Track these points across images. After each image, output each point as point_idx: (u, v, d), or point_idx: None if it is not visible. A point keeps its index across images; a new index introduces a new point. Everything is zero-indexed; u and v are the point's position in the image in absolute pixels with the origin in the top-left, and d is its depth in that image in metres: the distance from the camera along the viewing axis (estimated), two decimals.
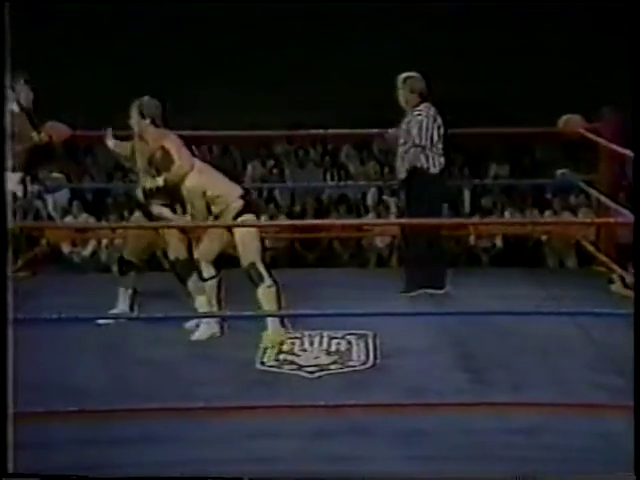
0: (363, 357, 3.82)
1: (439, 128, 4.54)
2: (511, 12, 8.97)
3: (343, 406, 3.18)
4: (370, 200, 7.89)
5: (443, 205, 5.10)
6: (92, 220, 7.30)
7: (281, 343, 3.94)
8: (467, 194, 7.85)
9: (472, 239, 7.12)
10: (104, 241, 7.15)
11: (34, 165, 4.87)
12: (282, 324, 4.01)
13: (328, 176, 8.59)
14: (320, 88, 9.16)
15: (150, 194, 4.18)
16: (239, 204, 4.06)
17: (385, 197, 7.61)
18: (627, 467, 2.56)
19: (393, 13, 9.07)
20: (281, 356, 3.83)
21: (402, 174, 4.60)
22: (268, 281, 4.00)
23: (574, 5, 8.36)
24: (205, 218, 4.05)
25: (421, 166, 4.54)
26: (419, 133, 4.49)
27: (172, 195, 4.13)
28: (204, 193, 4.06)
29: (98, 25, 9.02)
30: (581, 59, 9.11)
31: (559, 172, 5.42)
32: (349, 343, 3.97)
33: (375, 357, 3.82)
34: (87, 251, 7.15)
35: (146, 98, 4.23)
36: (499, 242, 7.15)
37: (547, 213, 7.39)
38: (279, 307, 4.01)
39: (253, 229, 4.07)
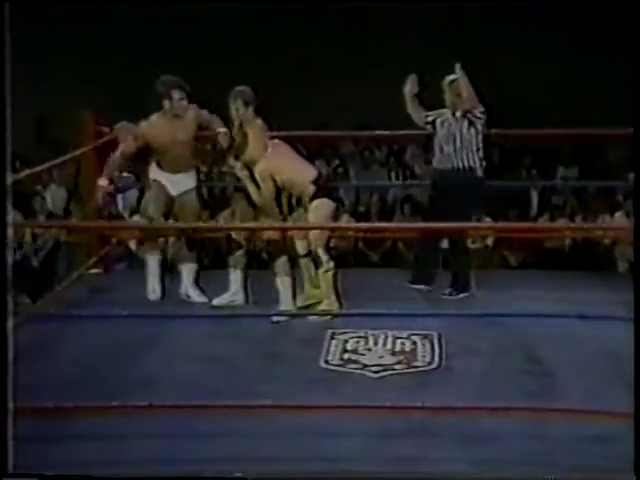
0: (428, 357, 3.80)
1: (482, 132, 4.70)
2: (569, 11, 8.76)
3: (409, 408, 3.16)
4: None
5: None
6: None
7: (345, 341, 3.98)
8: (535, 195, 7.71)
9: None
10: (171, 240, 7.24)
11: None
12: (339, 302, 4.21)
13: (393, 176, 8.55)
14: (385, 88, 9.13)
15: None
16: (312, 189, 4.22)
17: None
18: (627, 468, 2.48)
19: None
20: (345, 355, 3.83)
21: (442, 172, 4.70)
22: (326, 265, 4.21)
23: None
24: (272, 201, 4.25)
25: (473, 167, 4.66)
26: (476, 135, 4.64)
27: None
28: (272, 177, 4.25)
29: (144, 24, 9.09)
30: None
31: (631, 175, 5.28)
32: (414, 343, 3.95)
33: (440, 358, 3.80)
34: None
35: (244, 88, 4.40)
36: (568, 244, 7.00)
37: (617, 215, 7.20)
38: (336, 289, 4.24)
39: (322, 215, 4.22)
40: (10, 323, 2.55)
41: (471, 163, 4.66)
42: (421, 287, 4.71)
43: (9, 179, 2.58)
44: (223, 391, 3.40)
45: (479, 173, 4.70)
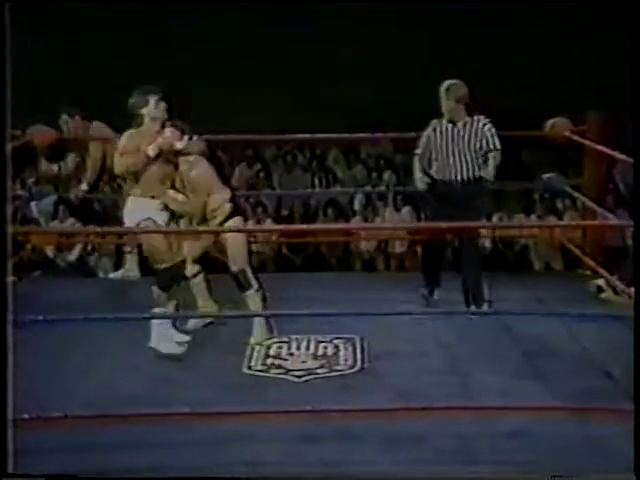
0: (350, 361, 3.82)
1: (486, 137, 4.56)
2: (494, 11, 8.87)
3: (330, 411, 3.17)
4: (357, 204, 7.90)
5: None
6: (79, 225, 7.24)
7: (268, 346, 3.94)
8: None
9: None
10: (90, 246, 7.11)
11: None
12: (268, 327, 4.02)
13: (316, 180, 8.58)
14: (310, 90, 9.15)
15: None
16: (228, 207, 4.07)
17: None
18: (627, 467, 2.56)
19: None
20: (268, 360, 3.82)
21: (463, 179, 4.50)
22: (255, 286, 4.04)
23: (566, 5, 8.32)
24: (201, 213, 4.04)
25: (477, 176, 4.52)
26: (493, 139, 4.50)
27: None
28: (199, 190, 4.03)
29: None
30: (570, 61, 9.12)
31: (545, 176, 5.42)
32: (336, 347, 3.96)
33: (363, 361, 3.82)
34: (73, 256, 7.09)
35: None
36: (486, 245, 7.15)
37: (533, 217, 7.39)
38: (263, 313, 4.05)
39: (241, 235, 4.07)
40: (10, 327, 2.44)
41: (476, 172, 4.50)
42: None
43: None
44: (143, 399, 3.34)
45: (484, 181, 4.53)
